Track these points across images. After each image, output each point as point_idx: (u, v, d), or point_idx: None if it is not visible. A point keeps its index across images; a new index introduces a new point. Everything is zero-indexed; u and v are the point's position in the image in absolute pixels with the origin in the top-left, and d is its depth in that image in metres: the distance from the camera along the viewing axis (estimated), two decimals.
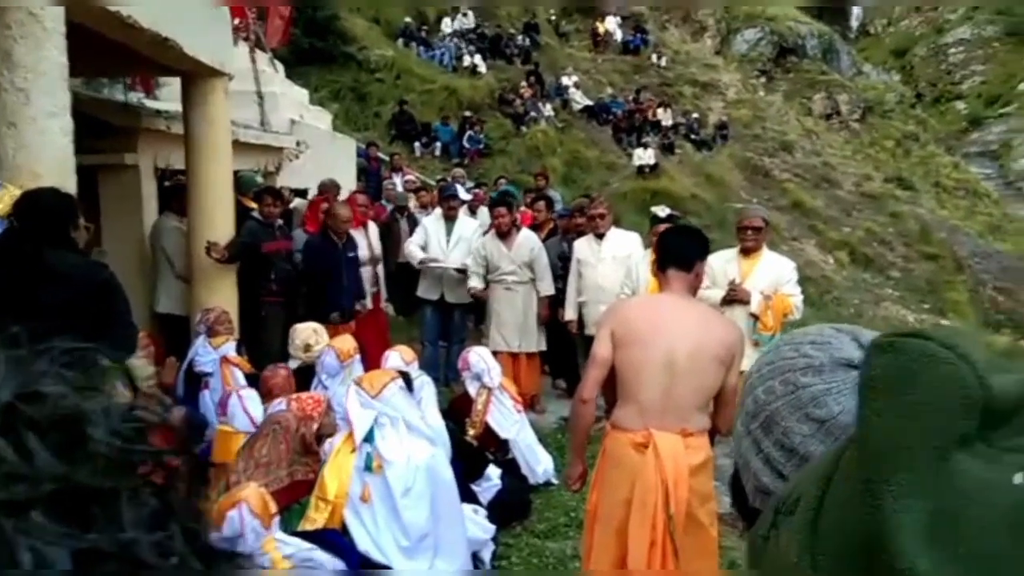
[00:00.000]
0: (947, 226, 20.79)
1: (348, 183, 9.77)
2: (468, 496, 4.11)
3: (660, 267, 2.83)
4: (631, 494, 2.58)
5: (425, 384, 4.24)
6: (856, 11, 49.09)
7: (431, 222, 6.93)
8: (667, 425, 2.60)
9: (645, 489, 2.55)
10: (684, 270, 2.77)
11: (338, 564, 2.86)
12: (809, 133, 24.58)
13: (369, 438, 3.13)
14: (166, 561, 0.34)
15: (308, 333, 4.86)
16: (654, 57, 24.73)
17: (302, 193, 7.37)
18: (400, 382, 3.33)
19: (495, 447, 4.88)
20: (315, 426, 3.16)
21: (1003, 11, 41.27)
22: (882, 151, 26.96)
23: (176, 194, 5.98)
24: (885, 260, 18.05)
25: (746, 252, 4.69)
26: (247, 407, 3.91)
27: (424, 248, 6.69)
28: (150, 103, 7.03)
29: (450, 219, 6.79)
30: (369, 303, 6.41)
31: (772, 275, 4.64)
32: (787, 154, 21.98)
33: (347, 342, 4.62)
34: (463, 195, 8.77)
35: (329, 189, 7.41)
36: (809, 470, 0.48)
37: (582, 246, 5.98)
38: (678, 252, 2.80)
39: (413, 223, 8.19)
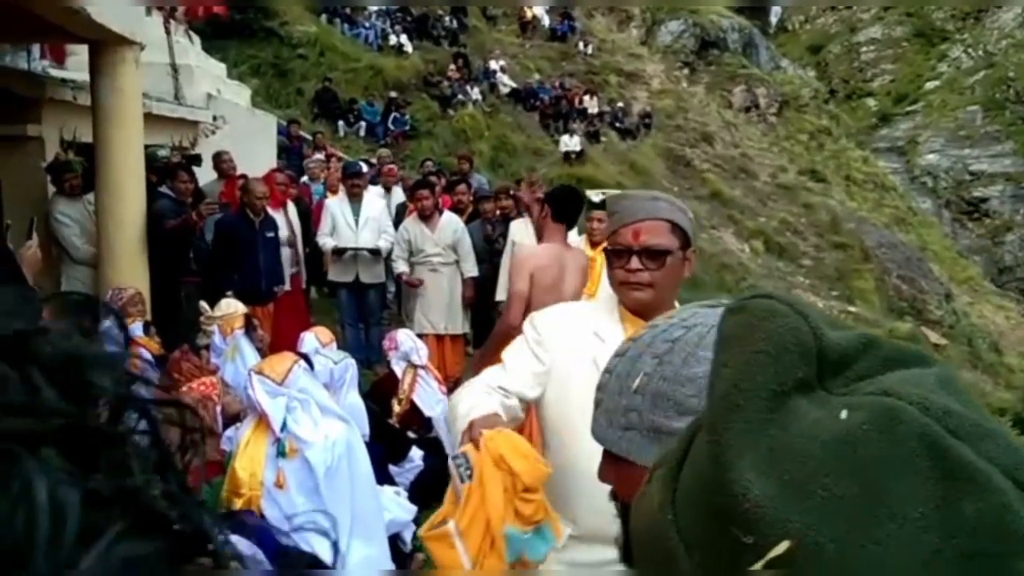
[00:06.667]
0: (856, 217, 21.73)
1: (268, 161, 9.51)
2: (388, 479, 4.09)
3: (556, 219, 3.80)
4: None
5: (349, 367, 4.18)
6: (775, 8, 50.63)
7: (336, 204, 6.68)
8: None
9: None
10: (571, 226, 3.91)
11: (254, 550, 2.80)
12: (729, 125, 25.23)
13: (281, 425, 3.07)
14: (172, 511, 0.33)
15: (220, 307, 4.76)
16: (581, 45, 24.89)
17: (195, 159, 6.91)
18: (303, 364, 3.27)
19: (419, 425, 4.88)
20: (217, 407, 3.07)
21: (912, 13, 43.21)
22: (797, 144, 27.93)
23: (63, 172, 5.42)
24: (797, 249, 18.76)
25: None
26: None
27: (333, 232, 6.49)
28: (56, 72, 6.67)
29: (355, 197, 6.58)
30: (289, 285, 6.28)
31: None
32: (707, 145, 22.54)
33: (235, 320, 4.55)
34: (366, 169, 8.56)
35: (224, 161, 7.01)
36: (683, 430, 0.51)
37: (519, 228, 5.88)
38: (573, 213, 3.86)
39: None
